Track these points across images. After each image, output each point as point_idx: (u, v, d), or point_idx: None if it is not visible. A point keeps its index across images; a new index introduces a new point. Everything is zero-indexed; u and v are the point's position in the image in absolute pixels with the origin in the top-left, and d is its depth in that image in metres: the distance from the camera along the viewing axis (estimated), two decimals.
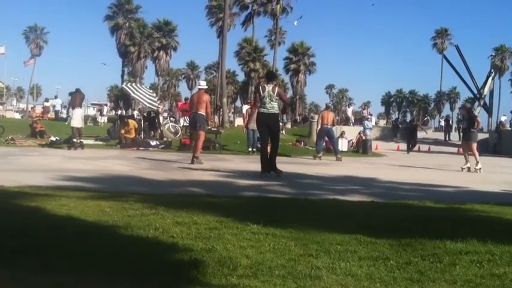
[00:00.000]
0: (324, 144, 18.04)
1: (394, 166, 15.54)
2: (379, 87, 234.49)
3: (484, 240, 4.16)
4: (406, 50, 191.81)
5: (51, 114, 32.21)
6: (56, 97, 36.17)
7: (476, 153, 14.08)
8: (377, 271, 3.37)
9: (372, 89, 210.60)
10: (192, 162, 12.07)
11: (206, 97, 12.99)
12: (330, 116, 17.64)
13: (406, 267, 3.48)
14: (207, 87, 14.26)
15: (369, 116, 37.27)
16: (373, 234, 4.33)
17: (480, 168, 13.80)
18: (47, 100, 36.72)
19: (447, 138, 36.46)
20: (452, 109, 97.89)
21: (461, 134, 23.75)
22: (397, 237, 4.26)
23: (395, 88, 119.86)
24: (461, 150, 16.02)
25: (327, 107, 19.49)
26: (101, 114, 43.69)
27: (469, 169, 14.02)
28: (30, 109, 56.41)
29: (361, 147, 22.40)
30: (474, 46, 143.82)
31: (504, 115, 40.39)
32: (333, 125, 18.38)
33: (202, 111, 12.53)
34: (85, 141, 19.41)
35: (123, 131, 18.85)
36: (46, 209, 5.12)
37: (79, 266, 3.22)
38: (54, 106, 32.75)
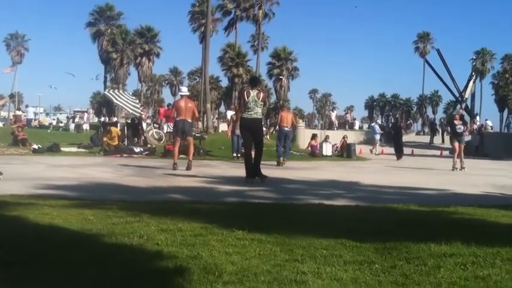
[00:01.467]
0: (310, 148, 17.93)
1: (378, 170, 15.64)
2: (362, 91, 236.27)
3: (468, 242, 4.19)
4: (388, 54, 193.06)
5: (24, 122, 31.72)
6: (26, 106, 35.88)
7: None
8: (362, 275, 3.38)
9: (355, 93, 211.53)
10: (174, 169, 12.19)
11: (192, 104, 13.38)
12: (289, 117, 16.96)
13: (391, 270, 3.50)
14: (189, 93, 14.40)
15: (375, 122, 37.47)
16: (358, 238, 4.34)
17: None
18: (18, 109, 36.47)
19: (432, 142, 36.80)
20: (434, 112, 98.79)
21: (446, 137, 24.15)
22: (382, 241, 4.28)
23: (378, 92, 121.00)
24: (444, 153, 17.76)
25: (285, 108, 19.03)
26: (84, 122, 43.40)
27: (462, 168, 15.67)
28: (12, 117, 55.78)
29: (346, 152, 22.50)
30: (455, 50, 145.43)
31: (487, 119, 41.09)
32: (293, 126, 17.71)
33: (189, 119, 12.80)
34: (68, 149, 19.31)
35: (105, 139, 18.73)
36: (28, 218, 5.06)
37: (62, 276, 3.18)
38: (25, 114, 32.33)
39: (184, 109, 12.66)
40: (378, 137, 23.69)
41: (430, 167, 16.89)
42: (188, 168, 12.33)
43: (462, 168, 15.71)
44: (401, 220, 5.58)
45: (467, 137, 17.61)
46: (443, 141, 35.09)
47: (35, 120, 34.52)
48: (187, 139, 13.10)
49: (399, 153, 22.90)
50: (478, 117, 44.02)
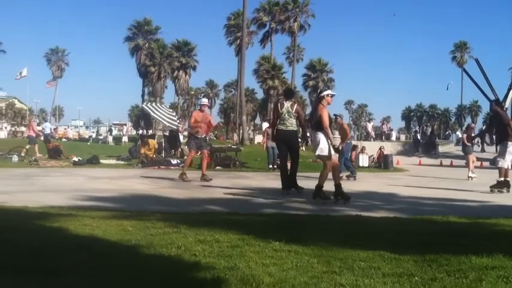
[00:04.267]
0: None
1: (416, 181, 15.38)
2: (399, 102, 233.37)
3: (510, 254, 4.08)
4: (425, 64, 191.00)
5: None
6: (45, 120, 36.77)
7: None
8: None
9: (392, 104, 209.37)
10: (183, 180, 12.50)
11: (209, 116, 13.74)
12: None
13: (431, 283, 3.43)
14: (209, 104, 14.85)
15: (390, 131, 36.87)
16: (397, 250, 4.28)
17: None
18: (38, 124, 37.38)
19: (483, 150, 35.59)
20: (474, 122, 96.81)
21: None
22: (421, 253, 4.20)
23: (416, 102, 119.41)
24: (484, 164, 16.44)
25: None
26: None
27: None
28: (52, 130, 57.21)
29: (382, 163, 22.23)
30: (494, 59, 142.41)
31: None
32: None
33: (204, 133, 13.28)
34: (107, 161, 19.68)
35: (143, 150, 19.02)
36: (69, 229, 5.17)
37: (101, 286, 3.24)
38: (44, 129, 32.90)
39: (201, 122, 12.91)
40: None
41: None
42: (203, 180, 12.44)
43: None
44: (441, 232, 5.47)
45: None
46: (483, 150, 34.13)
47: (51, 135, 34.32)
48: (203, 152, 13.38)
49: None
50: None
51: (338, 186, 8.71)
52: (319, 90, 8.91)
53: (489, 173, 15.92)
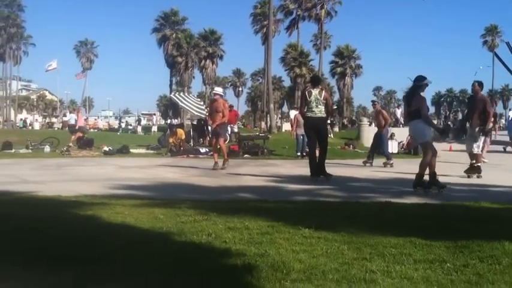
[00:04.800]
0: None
1: (446, 167, 15.16)
2: (429, 87, 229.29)
3: None
4: (455, 49, 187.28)
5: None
6: (70, 112, 37.08)
7: None
8: (434, 274, 3.31)
9: None
10: (214, 169, 12.36)
11: (221, 105, 13.09)
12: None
13: (464, 269, 3.40)
14: (222, 94, 14.62)
15: None
16: (428, 237, 4.25)
17: None
18: (64, 115, 37.88)
19: None
20: (505, 107, 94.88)
21: None
22: (453, 239, 4.17)
23: (446, 87, 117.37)
24: None
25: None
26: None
27: None
28: (83, 121, 58.08)
29: (412, 149, 21.96)
30: None
31: None
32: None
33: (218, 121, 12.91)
34: (136, 151, 19.92)
35: (172, 140, 19.18)
36: (102, 217, 5.27)
37: (136, 273, 3.30)
38: (69, 120, 33.45)
39: (214, 111, 12.88)
40: None
41: (499, 164, 16.20)
42: (215, 168, 12.37)
43: None
44: (473, 218, 5.41)
45: None
46: None
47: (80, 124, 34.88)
48: (217, 140, 13.12)
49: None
50: None
51: (433, 175, 8.58)
52: (414, 78, 8.76)
53: None
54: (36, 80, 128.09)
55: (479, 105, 11.19)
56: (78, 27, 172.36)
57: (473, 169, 11.20)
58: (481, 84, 11.46)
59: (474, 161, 11.24)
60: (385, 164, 14.40)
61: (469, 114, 11.84)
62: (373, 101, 17.12)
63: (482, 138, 11.45)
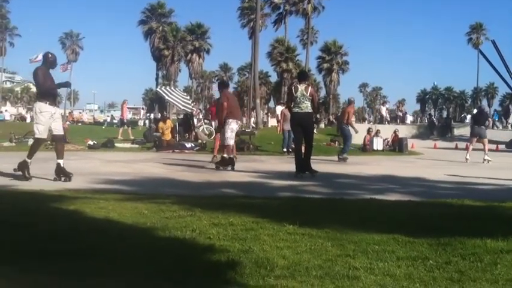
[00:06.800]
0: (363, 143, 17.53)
1: (431, 164, 15.30)
2: (414, 84, 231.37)
3: None
4: (440, 46, 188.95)
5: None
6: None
7: None
8: (416, 271, 3.33)
9: (407, 87, 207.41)
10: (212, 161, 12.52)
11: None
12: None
13: (446, 266, 3.43)
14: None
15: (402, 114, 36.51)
16: (411, 234, 4.27)
17: None
18: None
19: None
20: (490, 105, 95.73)
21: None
22: (436, 237, 4.19)
23: (431, 85, 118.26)
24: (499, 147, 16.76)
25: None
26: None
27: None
28: (67, 114, 57.60)
29: (397, 146, 22.10)
30: (510, 41, 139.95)
31: None
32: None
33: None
34: (121, 145, 19.81)
35: (161, 130, 19.28)
36: (85, 211, 5.22)
37: (118, 269, 3.27)
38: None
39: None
40: None
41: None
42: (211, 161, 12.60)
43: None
44: (456, 215, 5.45)
45: None
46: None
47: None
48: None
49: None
50: None
51: None
52: None
53: (505, 156, 15.82)
54: (21, 72, 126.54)
55: None
56: (64, 19, 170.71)
57: None
58: None
59: None
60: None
61: None
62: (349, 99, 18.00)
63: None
